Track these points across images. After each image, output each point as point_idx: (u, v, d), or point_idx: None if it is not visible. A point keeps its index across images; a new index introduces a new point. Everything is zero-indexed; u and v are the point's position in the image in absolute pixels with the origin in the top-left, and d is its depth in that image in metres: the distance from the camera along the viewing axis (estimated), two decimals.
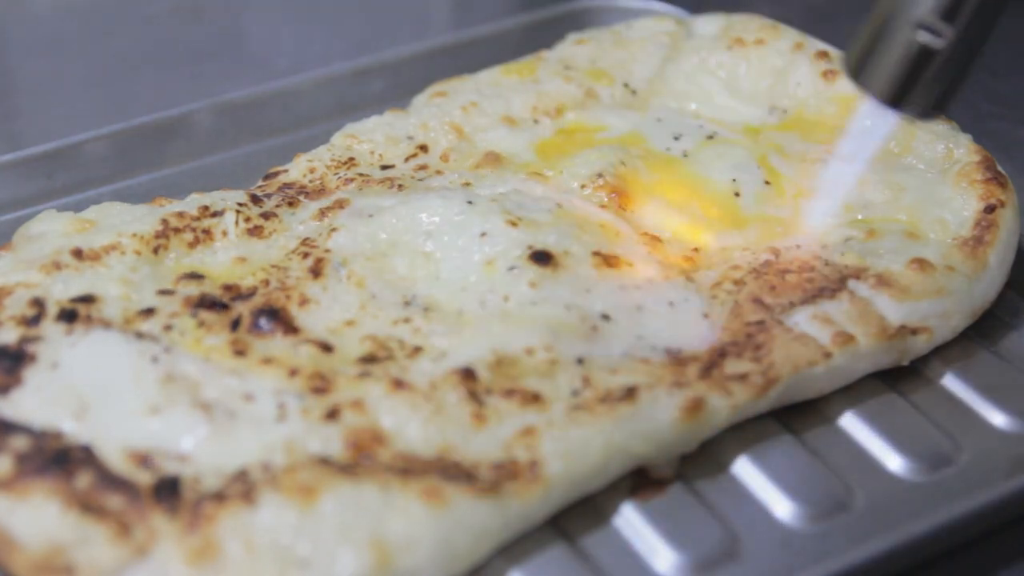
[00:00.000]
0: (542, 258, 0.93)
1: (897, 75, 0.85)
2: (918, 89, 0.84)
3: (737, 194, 1.04)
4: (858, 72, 0.87)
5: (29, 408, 0.83)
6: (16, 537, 0.76)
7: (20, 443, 0.80)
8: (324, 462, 0.80)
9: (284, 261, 0.95)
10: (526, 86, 1.14)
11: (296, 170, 1.06)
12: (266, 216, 0.99)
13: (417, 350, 0.88)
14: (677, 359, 0.88)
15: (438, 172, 1.05)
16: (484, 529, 0.79)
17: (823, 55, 1.14)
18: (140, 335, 0.87)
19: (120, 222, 0.97)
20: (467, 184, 1.02)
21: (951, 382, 0.93)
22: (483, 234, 0.95)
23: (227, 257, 0.96)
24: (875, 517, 0.83)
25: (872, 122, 0.97)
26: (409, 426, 0.83)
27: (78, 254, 0.93)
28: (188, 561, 0.75)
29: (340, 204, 1.00)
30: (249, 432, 0.82)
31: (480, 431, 0.83)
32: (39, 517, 0.76)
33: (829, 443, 0.89)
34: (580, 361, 0.88)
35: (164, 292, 0.92)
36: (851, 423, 0.90)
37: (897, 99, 0.86)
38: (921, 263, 0.95)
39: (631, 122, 1.11)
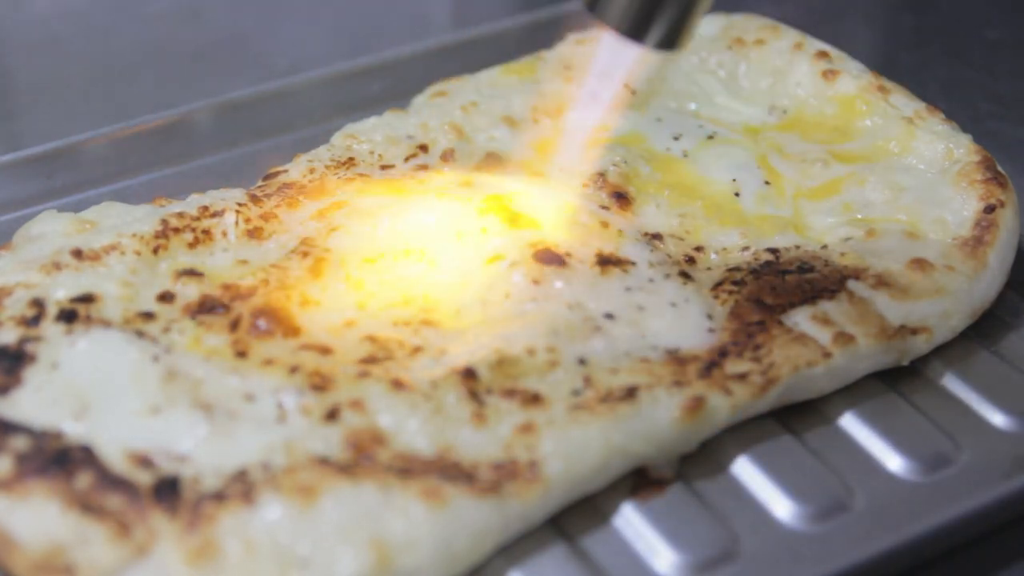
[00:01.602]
0: (544, 256, 0.93)
1: (631, 5, 0.86)
2: (652, 20, 0.85)
3: (737, 194, 1.04)
4: (594, 4, 0.87)
5: (29, 408, 0.83)
6: (16, 537, 0.76)
7: (20, 443, 0.80)
8: (324, 462, 0.80)
9: (284, 261, 0.95)
10: (526, 86, 1.14)
11: (296, 170, 1.06)
12: (266, 216, 0.99)
13: (417, 349, 0.88)
14: (677, 359, 0.88)
15: (438, 172, 1.05)
16: (484, 529, 0.79)
17: (823, 55, 1.14)
18: (140, 334, 0.87)
19: (120, 222, 0.97)
20: (467, 183, 1.02)
21: (951, 382, 0.93)
22: (483, 230, 0.95)
23: (227, 257, 0.96)
24: (875, 517, 0.83)
25: (612, 57, 0.96)
26: (409, 426, 0.83)
27: (78, 254, 0.93)
28: (188, 561, 0.75)
29: (339, 204, 1.00)
30: (249, 432, 0.82)
31: (480, 431, 0.83)
32: (39, 517, 0.76)
33: (829, 443, 0.89)
34: (581, 361, 0.88)
35: (164, 292, 0.92)
36: (851, 423, 0.90)
37: (632, 30, 0.86)
38: (921, 263, 0.95)
39: (631, 122, 1.11)
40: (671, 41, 0.87)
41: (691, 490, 0.85)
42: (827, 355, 0.90)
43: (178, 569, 0.75)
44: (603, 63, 0.96)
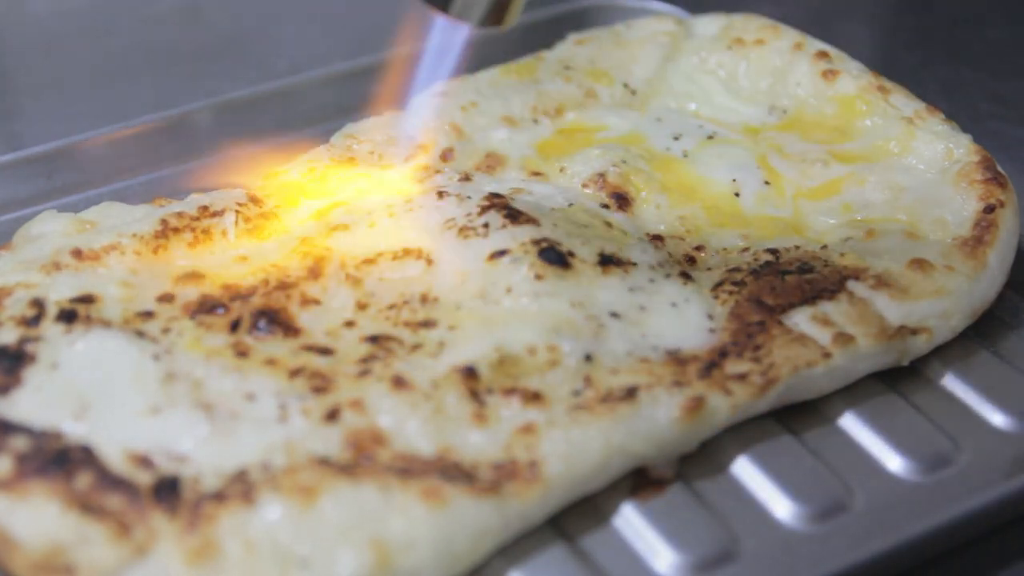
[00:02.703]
0: (547, 254, 0.93)
1: None
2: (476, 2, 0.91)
3: (737, 194, 1.04)
4: None
5: (29, 408, 0.83)
6: (16, 537, 0.76)
7: (20, 443, 0.80)
8: (324, 462, 0.80)
9: (283, 261, 0.95)
10: (526, 86, 1.14)
11: (296, 170, 1.06)
12: (266, 216, 0.99)
13: (417, 347, 0.88)
14: (677, 359, 0.88)
15: (438, 172, 1.05)
16: (484, 529, 0.79)
17: (823, 55, 1.14)
18: (140, 334, 0.87)
19: (120, 222, 0.97)
20: (466, 180, 1.02)
21: (951, 382, 0.93)
22: (485, 225, 0.95)
23: (227, 257, 0.96)
24: (875, 517, 0.83)
25: (445, 37, 1.01)
26: (409, 426, 0.83)
27: (78, 254, 0.93)
28: (188, 561, 0.75)
29: (339, 204, 1.00)
30: (250, 432, 0.82)
31: (480, 431, 0.83)
32: (39, 517, 0.76)
33: (829, 443, 0.89)
34: (582, 360, 0.88)
35: (164, 293, 0.92)
36: (851, 423, 0.90)
37: (459, 11, 0.92)
38: (921, 263, 0.95)
39: (631, 122, 1.12)
40: (495, 19, 0.91)
41: (691, 490, 0.85)
42: (827, 355, 0.90)
43: (178, 569, 0.75)
44: (435, 48, 1.01)
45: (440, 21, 0.94)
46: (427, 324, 0.90)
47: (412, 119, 1.10)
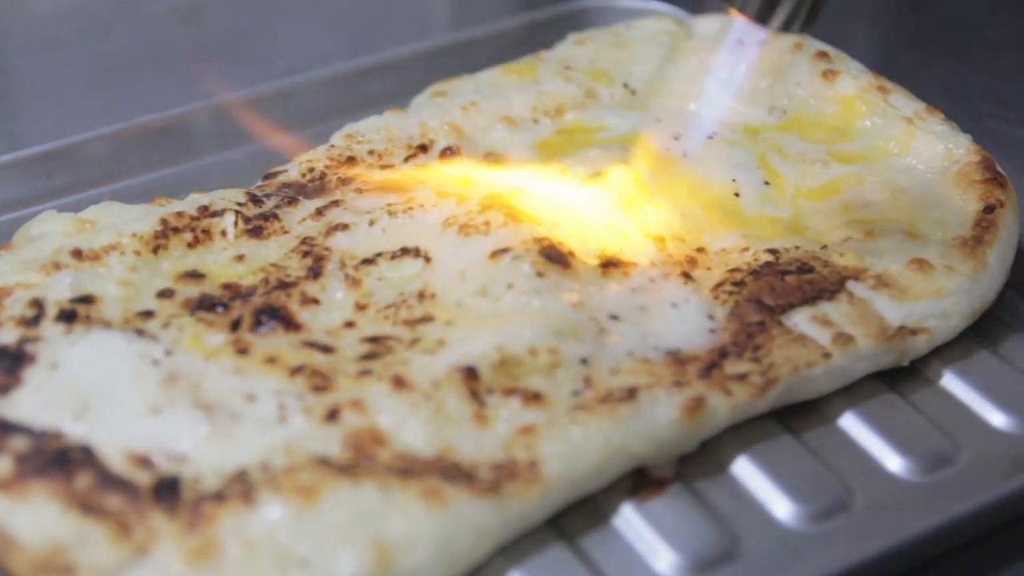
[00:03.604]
0: (549, 253, 0.93)
1: None
2: (783, 5, 0.92)
3: (737, 194, 1.04)
4: None
5: (29, 408, 0.83)
6: (16, 537, 0.76)
7: (20, 443, 0.80)
8: (324, 462, 0.80)
9: (283, 260, 0.95)
10: (526, 86, 1.14)
11: (296, 170, 1.06)
12: (265, 216, 0.99)
13: (415, 343, 0.88)
14: (677, 359, 0.88)
15: (438, 171, 1.05)
16: (484, 529, 0.79)
17: (823, 55, 1.14)
18: (140, 333, 0.87)
19: (120, 222, 0.97)
20: (467, 182, 1.02)
21: (951, 382, 0.93)
22: (487, 223, 0.95)
23: (226, 257, 0.96)
24: (875, 517, 0.83)
25: (743, 39, 1.04)
26: (409, 426, 0.83)
27: (78, 254, 0.93)
28: (188, 561, 0.75)
29: (339, 204, 1.00)
30: (250, 432, 0.82)
31: (480, 431, 0.83)
32: (39, 517, 0.76)
33: (829, 443, 0.89)
34: (582, 361, 0.88)
35: (164, 292, 0.92)
36: (851, 423, 0.90)
37: (764, 15, 0.93)
38: (920, 263, 0.95)
39: (631, 122, 1.12)
40: (794, 22, 0.92)
41: (691, 490, 0.85)
42: (827, 356, 0.90)
43: (178, 569, 0.75)
44: (730, 50, 1.04)
45: (739, 21, 0.96)
46: (425, 321, 0.90)
47: (412, 119, 1.11)
